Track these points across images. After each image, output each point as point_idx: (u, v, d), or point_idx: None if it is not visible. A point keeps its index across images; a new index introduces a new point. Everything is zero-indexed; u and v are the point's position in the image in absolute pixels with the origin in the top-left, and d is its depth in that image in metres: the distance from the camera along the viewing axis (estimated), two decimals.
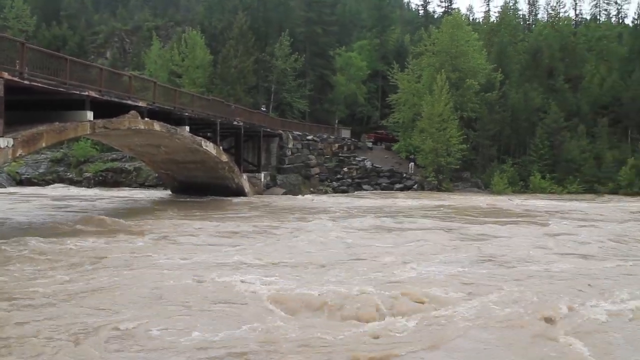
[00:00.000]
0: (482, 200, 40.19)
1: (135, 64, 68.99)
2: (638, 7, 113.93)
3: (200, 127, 35.55)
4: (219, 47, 59.22)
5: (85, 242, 16.72)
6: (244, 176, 39.15)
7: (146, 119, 27.36)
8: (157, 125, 28.21)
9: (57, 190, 42.89)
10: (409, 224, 23.48)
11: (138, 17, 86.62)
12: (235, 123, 38.46)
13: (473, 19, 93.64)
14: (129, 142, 33.13)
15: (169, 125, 29.41)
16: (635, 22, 77.23)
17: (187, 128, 31.67)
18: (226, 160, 36.27)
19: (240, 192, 37.99)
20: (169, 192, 41.79)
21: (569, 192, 50.27)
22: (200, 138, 33.21)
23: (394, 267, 13.94)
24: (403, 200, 38.41)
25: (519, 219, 26.85)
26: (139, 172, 48.69)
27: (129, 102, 26.33)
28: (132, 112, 26.26)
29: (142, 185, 47.54)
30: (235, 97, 51.36)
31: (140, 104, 27.17)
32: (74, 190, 42.95)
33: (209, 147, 33.94)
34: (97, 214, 24.81)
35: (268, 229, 20.96)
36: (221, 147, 36.49)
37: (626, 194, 48.94)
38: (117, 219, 22.01)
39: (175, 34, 72.23)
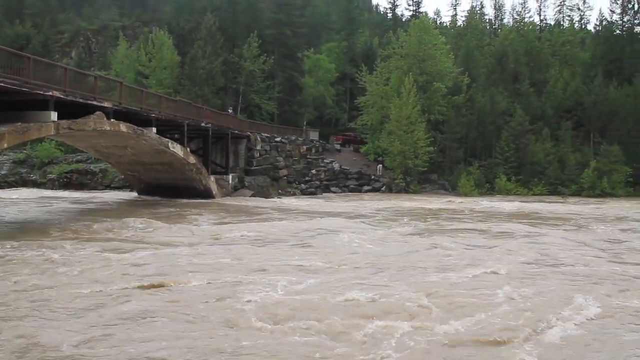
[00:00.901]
0: (454, 200, 40.62)
1: (102, 64, 68.11)
2: (600, 14, 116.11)
3: (168, 128, 35.23)
4: (187, 47, 58.75)
5: None
6: (212, 178, 38.91)
7: (112, 120, 27.01)
8: (123, 127, 27.88)
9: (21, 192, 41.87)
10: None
11: (104, 17, 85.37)
12: (203, 124, 38.23)
13: (440, 22, 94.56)
14: (94, 143, 32.67)
15: (135, 127, 29.08)
16: (597, 28, 79.05)
17: (154, 129, 31.36)
18: (194, 162, 36.00)
19: (208, 194, 37.76)
20: (135, 194, 41.30)
21: (533, 194, 51.13)
22: (167, 139, 32.91)
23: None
24: (369, 203, 38.59)
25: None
26: (104, 173, 47.99)
27: (95, 102, 25.96)
28: (98, 112, 25.90)
29: (108, 187, 46.86)
30: (203, 98, 51.01)
31: (106, 104, 26.80)
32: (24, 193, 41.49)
33: (177, 148, 33.66)
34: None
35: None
36: (189, 149, 36.22)
37: (588, 196, 50.04)
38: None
39: (142, 34, 71.37)
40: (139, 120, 30.36)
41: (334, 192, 49.84)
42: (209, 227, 22.70)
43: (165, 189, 37.95)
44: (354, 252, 17.02)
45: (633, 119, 55.47)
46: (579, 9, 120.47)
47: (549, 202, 42.70)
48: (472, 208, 35.75)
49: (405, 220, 27.10)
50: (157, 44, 57.95)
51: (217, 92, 57.12)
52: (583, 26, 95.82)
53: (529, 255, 17.07)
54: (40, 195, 38.50)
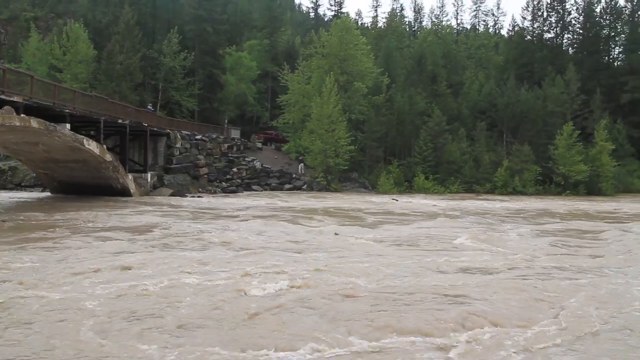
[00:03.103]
0: (374, 200, 41.28)
1: (12, 57, 65.08)
2: (512, 19, 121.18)
3: (83, 124, 34.08)
4: (104, 41, 56.88)
5: None
6: (130, 176, 37.93)
7: (22, 115, 25.85)
8: (34, 122, 26.75)
9: None
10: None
11: (14, 6, 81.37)
12: (120, 121, 37.19)
13: (362, 23, 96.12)
14: (2, 139, 31.13)
15: (47, 123, 27.95)
16: (510, 33, 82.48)
17: (68, 126, 30.24)
18: (110, 159, 34.99)
19: (125, 193, 36.80)
20: (48, 193, 39.75)
21: (450, 192, 52.79)
22: (82, 136, 31.81)
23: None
24: (285, 201, 38.72)
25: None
26: (14, 171, 45.77)
27: (3, 96, 24.75)
28: (7, 107, 24.73)
29: (18, 186, 44.69)
30: (121, 94, 49.64)
31: (16, 99, 25.60)
32: None
33: (92, 145, 32.60)
34: None
35: None
36: (105, 146, 35.13)
37: (501, 194, 52.25)
38: None
39: (56, 26, 68.62)
40: (52, 115, 29.20)
41: (255, 190, 49.69)
42: None
43: (81, 188, 36.71)
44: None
45: (542, 120, 58.31)
46: (493, 14, 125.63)
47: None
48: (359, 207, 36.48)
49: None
50: (72, 37, 55.82)
51: (136, 88, 55.70)
52: (497, 31, 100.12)
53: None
54: None
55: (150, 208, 29.33)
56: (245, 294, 10.15)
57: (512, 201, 43.53)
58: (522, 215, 29.94)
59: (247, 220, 23.95)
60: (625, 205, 39.79)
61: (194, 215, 26.22)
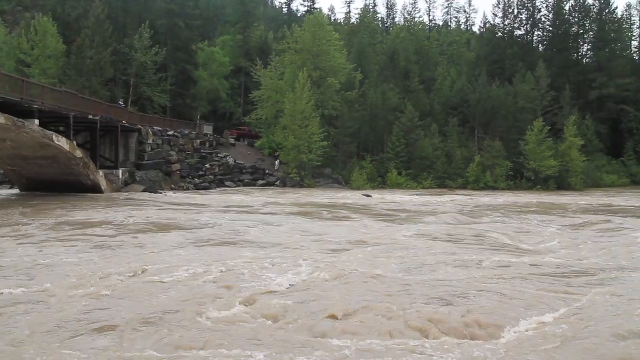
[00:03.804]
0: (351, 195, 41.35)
1: None
2: (484, 16, 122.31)
3: (52, 120, 33.55)
4: (73, 36, 55.96)
5: None
6: (101, 172, 37.45)
7: None
8: (1, 118, 26.22)
9: None
10: None
11: None
12: (90, 117, 36.68)
13: (334, 19, 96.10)
14: None
15: (15, 118, 27.42)
16: (481, 30, 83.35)
17: (37, 121, 29.71)
18: (81, 155, 34.47)
19: (96, 189, 36.33)
20: (17, 190, 39.05)
21: (423, 188, 53.13)
22: (51, 132, 31.28)
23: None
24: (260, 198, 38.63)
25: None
26: None
27: None
28: None
29: None
30: (91, 89, 48.99)
31: None
32: None
33: (62, 141, 32.08)
34: None
35: None
36: (75, 142, 34.59)
37: (473, 189, 52.76)
38: None
39: (23, 19, 67.26)
40: (20, 111, 28.63)
41: (228, 187, 49.43)
42: None
43: (50, 185, 36.09)
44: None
45: (513, 116, 59.01)
46: (465, 11, 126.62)
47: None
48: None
49: None
50: (40, 31, 54.78)
51: (106, 84, 55.00)
52: (469, 28, 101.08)
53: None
54: None
55: (110, 204, 29.04)
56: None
57: (497, 196, 43.88)
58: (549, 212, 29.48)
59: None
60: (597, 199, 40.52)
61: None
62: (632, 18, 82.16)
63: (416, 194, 44.53)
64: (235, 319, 8.77)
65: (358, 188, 50.40)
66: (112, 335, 7.88)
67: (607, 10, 73.54)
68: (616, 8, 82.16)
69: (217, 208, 28.68)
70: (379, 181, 54.05)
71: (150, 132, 46.90)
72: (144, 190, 40.05)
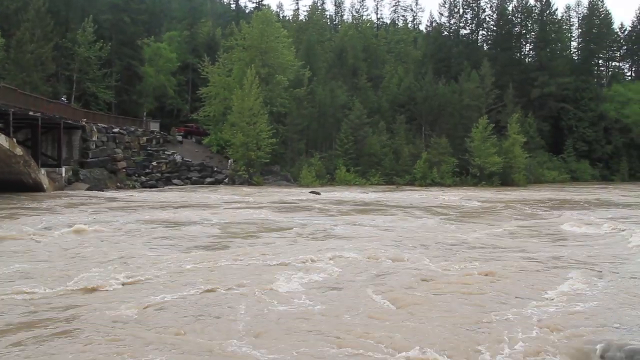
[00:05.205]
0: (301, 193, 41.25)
1: None
2: (430, 15, 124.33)
3: None
4: (13, 29, 53.97)
5: None
6: (43, 171, 36.45)
7: None
8: None
9: None
10: None
11: None
12: (31, 114, 35.59)
13: (283, 16, 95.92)
14: None
15: None
16: (428, 28, 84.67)
17: None
18: (21, 153, 33.48)
19: (38, 188, 35.36)
20: None
21: (371, 184, 53.56)
22: None
23: None
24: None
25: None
26: None
27: None
28: None
29: None
30: (32, 85, 47.33)
31: None
32: None
33: (1, 139, 31.07)
34: None
35: None
36: (15, 140, 33.56)
37: (420, 185, 53.53)
38: None
39: None
40: None
41: (176, 185, 48.74)
42: None
43: None
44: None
45: (459, 114, 60.21)
46: (412, 10, 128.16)
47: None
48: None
49: None
50: None
51: (48, 79, 53.21)
52: (416, 26, 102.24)
53: None
54: None
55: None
56: None
57: (452, 192, 44.51)
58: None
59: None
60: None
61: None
62: (572, 19, 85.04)
63: (364, 192, 44.68)
64: None
65: (307, 185, 50.42)
66: None
67: (548, 12, 75.73)
68: (556, 10, 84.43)
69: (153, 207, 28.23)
70: (328, 178, 54.23)
71: (95, 130, 45.86)
72: (88, 189, 39.16)
